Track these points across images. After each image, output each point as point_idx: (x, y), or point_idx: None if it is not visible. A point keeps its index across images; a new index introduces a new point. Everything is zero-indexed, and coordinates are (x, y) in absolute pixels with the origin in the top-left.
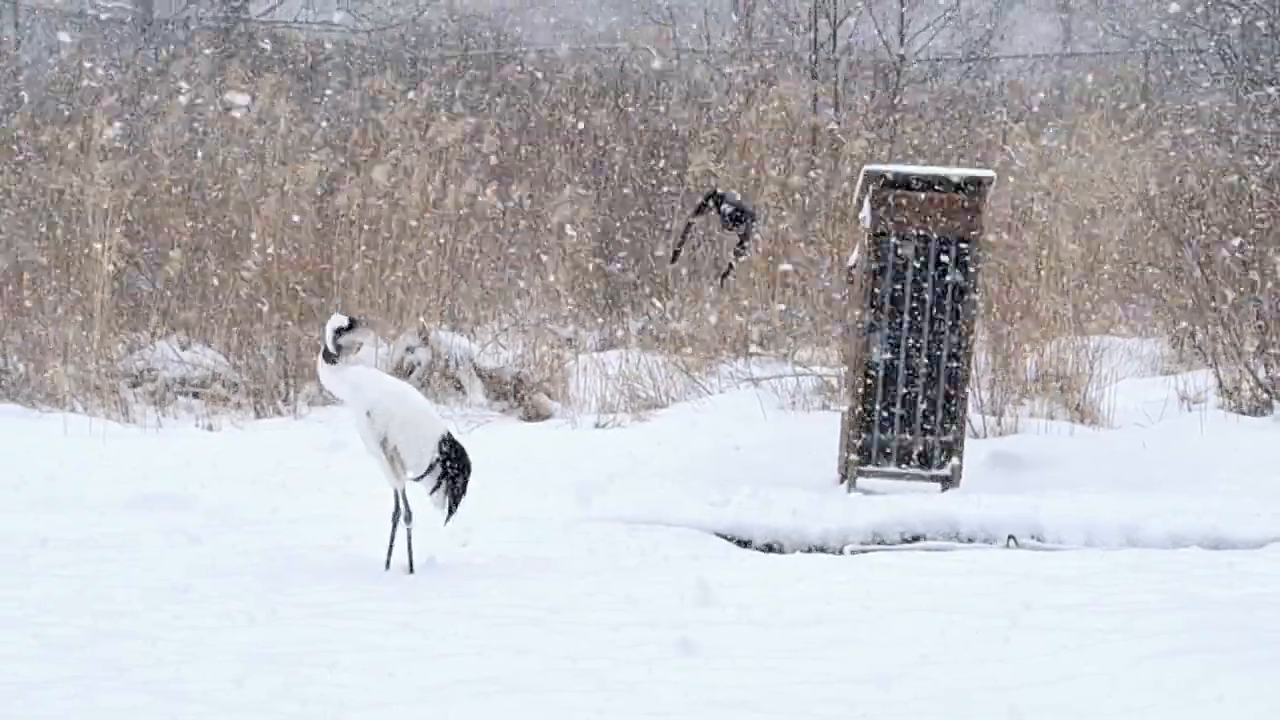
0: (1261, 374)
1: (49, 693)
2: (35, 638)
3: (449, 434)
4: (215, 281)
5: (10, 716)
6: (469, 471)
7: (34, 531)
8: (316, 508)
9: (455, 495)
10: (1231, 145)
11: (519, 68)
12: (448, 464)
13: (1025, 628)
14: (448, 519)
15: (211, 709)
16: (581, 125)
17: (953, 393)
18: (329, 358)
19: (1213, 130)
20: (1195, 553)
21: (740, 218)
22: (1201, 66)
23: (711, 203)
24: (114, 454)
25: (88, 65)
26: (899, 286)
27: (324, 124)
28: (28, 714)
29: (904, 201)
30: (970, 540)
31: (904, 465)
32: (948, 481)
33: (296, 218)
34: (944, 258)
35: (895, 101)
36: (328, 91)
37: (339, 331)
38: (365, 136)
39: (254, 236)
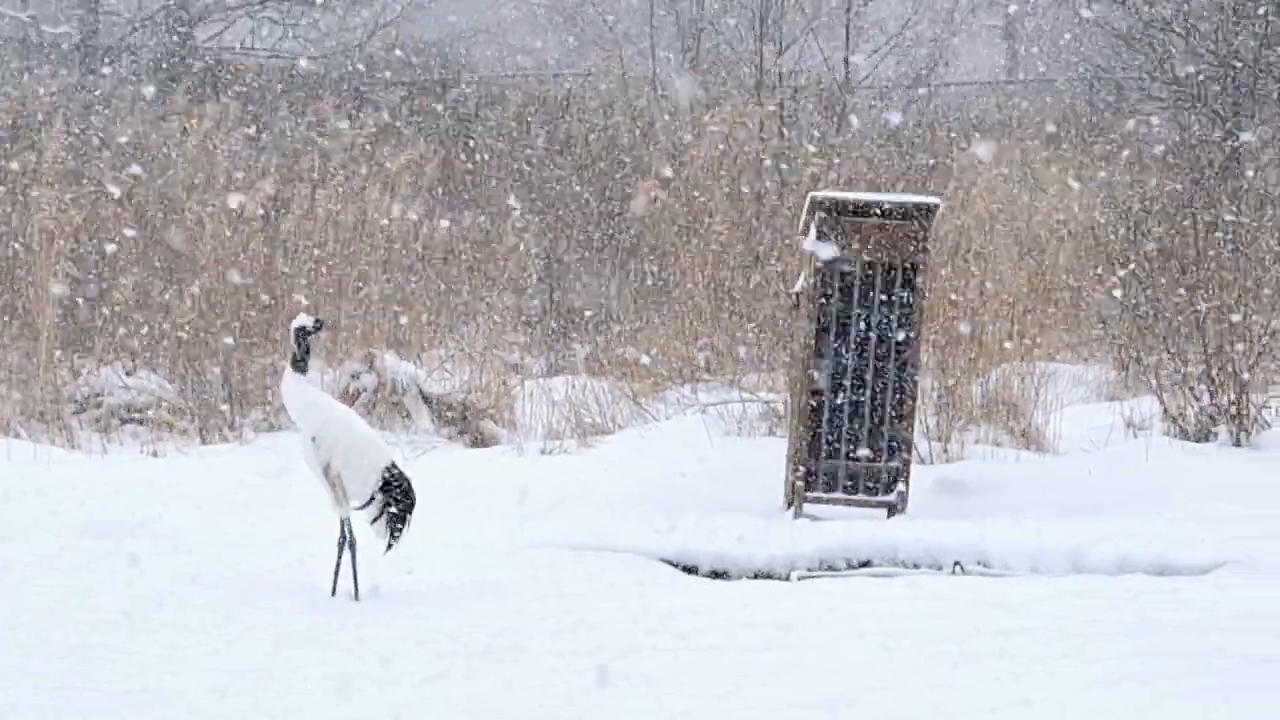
0: (1205, 400)
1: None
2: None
3: (394, 464)
4: (161, 307)
5: None
6: (412, 502)
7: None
8: (264, 533)
9: (396, 525)
10: (1175, 171)
11: (466, 94)
12: (391, 494)
13: (973, 654)
14: (388, 548)
15: None
16: (528, 152)
17: (899, 419)
18: (299, 366)
19: (1157, 156)
20: (1141, 579)
21: None
22: (1144, 92)
23: None
24: (60, 480)
25: (32, 90)
26: (845, 312)
27: (269, 150)
28: None
29: (850, 227)
30: (916, 566)
31: (850, 491)
32: (894, 508)
33: (240, 242)
34: (890, 284)
35: (840, 127)
36: (274, 117)
37: (302, 332)
38: (311, 162)
39: (200, 262)
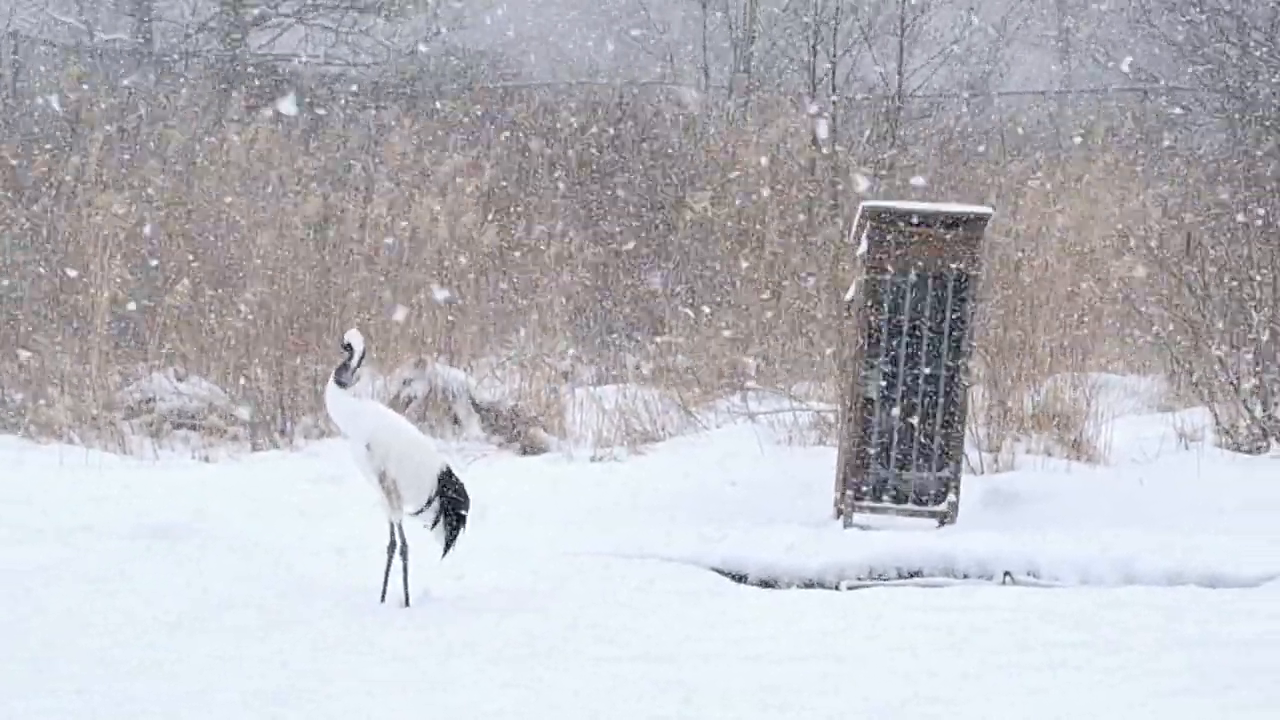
0: (1258, 412)
1: None
2: (37, 672)
3: (448, 468)
4: (213, 314)
5: None
6: (467, 506)
7: (29, 561)
8: (317, 538)
9: (453, 530)
10: (1229, 182)
11: (518, 101)
12: (446, 499)
13: (1022, 665)
14: (445, 553)
15: None
16: (579, 161)
17: (949, 429)
18: (341, 381)
19: (1211, 166)
20: (1192, 591)
21: None
22: (1199, 104)
23: None
24: (111, 485)
25: (86, 97)
26: (896, 322)
27: (322, 157)
28: None
29: (901, 237)
30: (966, 576)
31: (900, 501)
32: (944, 518)
33: (293, 250)
34: (941, 294)
35: (894, 137)
36: (327, 124)
37: (348, 347)
38: (364, 169)
39: (251, 269)
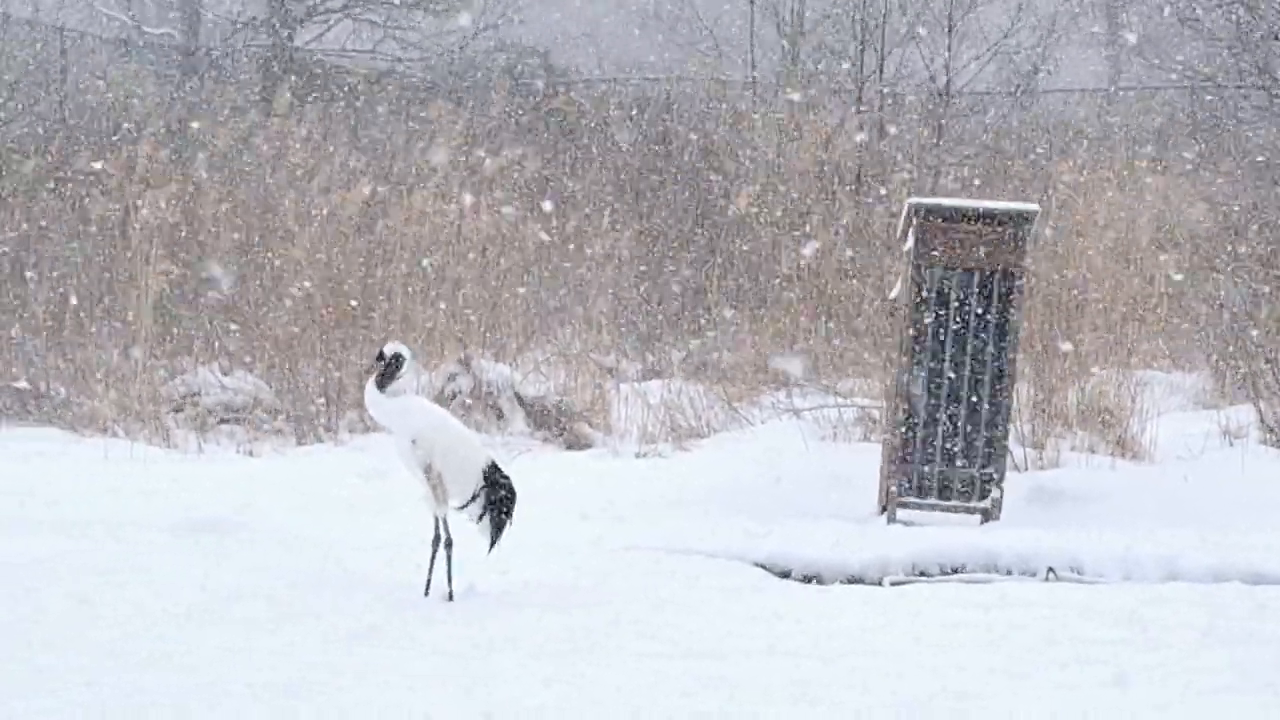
0: None
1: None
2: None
3: (494, 463)
4: (258, 308)
5: None
6: (514, 501)
7: (63, 553)
8: (360, 532)
9: (499, 524)
10: (1277, 182)
11: (565, 97)
12: (492, 493)
13: (1065, 661)
14: (491, 547)
15: None
16: (625, 156)
17: (994, 425)
18: (380, 384)
19: (1260, 162)
20: (1236, 588)
21: None
22: (1247, 102)
23: None
24: (156, 478)
25: (134, 91)
26: (941, 319)
27: (369, 152)
28: None
29: (947, 234)
30: (1009, 573)
31: (944, 497)
32: (988, 514)
33: (337, 243)
34: (987, 290)
35: (940, 134)
36: (374, 119)
37: (396, 358)
38: (410, 165)
39: (297, 263)
